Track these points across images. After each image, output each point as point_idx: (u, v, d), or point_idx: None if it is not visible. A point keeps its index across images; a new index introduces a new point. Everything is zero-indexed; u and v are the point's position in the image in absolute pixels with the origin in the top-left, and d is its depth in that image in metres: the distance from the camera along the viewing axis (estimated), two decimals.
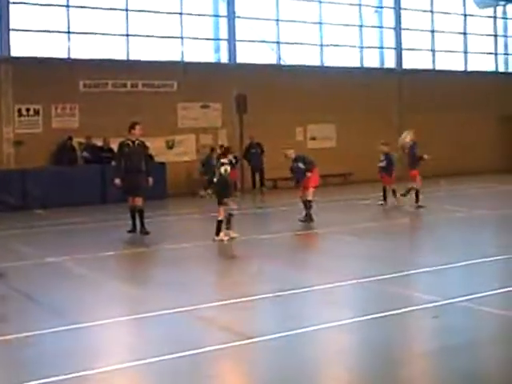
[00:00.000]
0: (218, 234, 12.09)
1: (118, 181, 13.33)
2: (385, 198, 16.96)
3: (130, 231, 13.39)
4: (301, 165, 14.29)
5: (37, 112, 20.28)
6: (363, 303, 7.88)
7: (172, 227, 15.48)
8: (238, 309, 7.63)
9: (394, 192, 16.94)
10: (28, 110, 20.17)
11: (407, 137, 16.75)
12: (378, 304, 7.59)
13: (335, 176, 24.66)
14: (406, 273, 9.18)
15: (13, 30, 20.18)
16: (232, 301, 7.83)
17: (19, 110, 20.08)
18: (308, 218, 14.10)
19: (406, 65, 28.17)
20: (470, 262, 9.68)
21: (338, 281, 8.69)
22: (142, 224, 13.31)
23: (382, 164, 16.85)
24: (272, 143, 23.03)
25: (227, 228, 12.25)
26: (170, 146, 22.44)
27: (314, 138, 25.62)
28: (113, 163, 16.18)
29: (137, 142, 13.45)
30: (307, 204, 14.14)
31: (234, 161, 21.82)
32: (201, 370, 5.66)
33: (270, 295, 8.04)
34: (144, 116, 20.86)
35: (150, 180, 13.42)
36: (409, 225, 14.99)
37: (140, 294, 8.71)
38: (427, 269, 9.30)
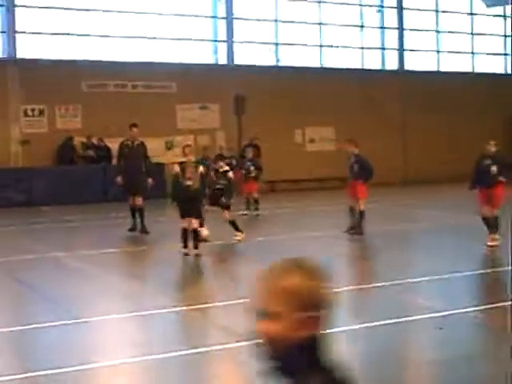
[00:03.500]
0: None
1: (119, 179, 15.51)
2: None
3: (130, 229, 15.19)
4: (356, 167, 14.23)
5: (42, 112, 23.60)
6: (368, 310, 8.37)
7: (171, 227, 16.64)
8: (239, 309, 8.14)
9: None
10: (33, 110, 23.47)
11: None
12: (383, 311, 8.07)
13: (333, 179, 27.31)
14: (413, 280, 9.67)
15: (18, 32, 23.46)
16: (233, 301, 8.47)
17: (25, 111, 23.39)
18: (359, 230, 14.08)
19: (409, 66, 31.03)
20: (477, 271, 10.37)
21: (343, 286, 9.28)
22: (142, 223, 15.02)
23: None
24: (270, 145, 26.02)
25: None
26: (169, 146, 25.47)
27: (312, 141, 28.53)
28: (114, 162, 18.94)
29: (136, 142, 15.39)
30: (360, 214, 14.13)
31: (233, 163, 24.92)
32: (199, 370, 6.26)
33: None
34: (144, 117, 24.12)
35: (150, 181, 15.25)
36: (415, 231, 15.46)
37: (141, 291, 9.60)
38: (434, 276, 9.81)
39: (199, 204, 12.03)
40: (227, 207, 13.52)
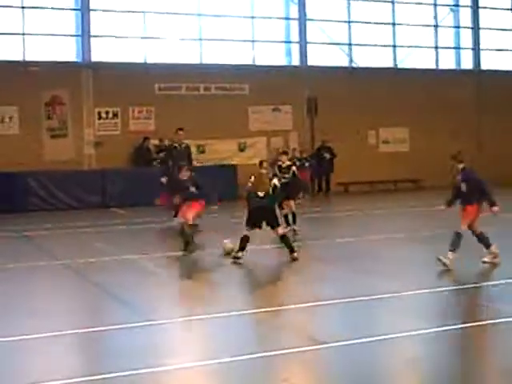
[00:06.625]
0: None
1: (163, 179, 15.84)
2: None
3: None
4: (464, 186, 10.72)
5: (115, 115, 23.30)
6: (440, 313, 8.06)
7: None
8: (310, 313, 8.13)
9: None
10: (107, 112, 23.20)
11: None
12: (455, 315, 7.81)
13: (406, 181, 26.51)
14: (482, 284, 9.39)
15: (93, 36, 23.22)
16: (304, 305, 8.37)
17: (99, 113, 23.14)
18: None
19: (485, 65, 29.70)
20: None
21: (413, 289, 9.09)
22: None
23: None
24: (343, 146, 25.26)
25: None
26: (242, 148, 24.95)
27: (386, 142, 27.57)
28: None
29: (183, 145, 15.96)
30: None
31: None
32: (273, 373, 6.07)
33: (343, 300, 8.49)
34: (216, 119, 23.70)
35: None
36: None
37: (212, 294, 9.40)
38: (507, 280, 9.40)
39: (274, 213, 11.80)
40: (293, 199, 14.67)
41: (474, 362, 6.32)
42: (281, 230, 11.64)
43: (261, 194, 11.50)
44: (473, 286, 9.22)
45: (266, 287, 9.90)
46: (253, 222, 11.54)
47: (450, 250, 10.29)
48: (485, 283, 9.43)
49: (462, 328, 7.13)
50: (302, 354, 6.44)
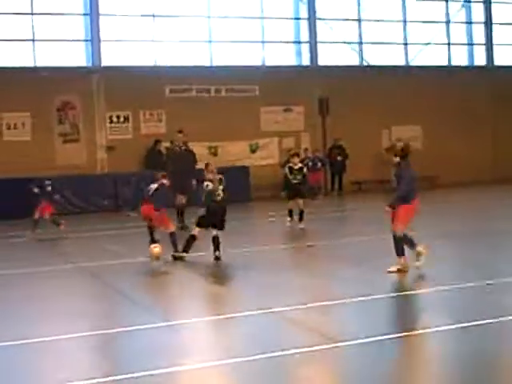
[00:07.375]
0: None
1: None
2: None
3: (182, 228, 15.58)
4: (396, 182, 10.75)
5: (126, 118, 23.54)
6: (460, 310, 8.10)
7: (257, 229, 17.11)
8: (326, 312, 8.19)
9: None
10: (118, 116, 23.45)
11: None
12: (475, 311, 7.84)
13: (420, 179, 26.40)
14: (505, 280, 9.31)
15: (103, 40, 23.44)
16: (320, 303, 8.44)
17: (110, 117, 23.40)
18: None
19: (498, 61, 29.61)
20: None
21: (432, 286, 9.11)
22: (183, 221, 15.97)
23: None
24: (356, 146, 25.34)
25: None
26: (254, 149, 25.06)
27: (399, 140, 27.63)
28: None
29: (183, 147, 16.61)
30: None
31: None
32: (289, 372, 6.10)
33: (360, 299, 8.50)
34: (227, 120, 23.83)
35: (194, 182, 15.85)
36: (506, 229, 14.56)
37: (228, 294, 9.57)
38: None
39: (224, 217, 12.07)
40: (303, 197, 15.96)
41: (494, 361, 6.27)
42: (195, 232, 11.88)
43: (219, 197, 11.79)
44: (490, 282, 9.17)
45: (280, 286, 9.90)
46: (206, 224, 11.78)
47: (411, 250, 9.97)
48: (501, 280, 9.29)
49: (481, 325, 7.13)
50: (321, 352, 6.47)
